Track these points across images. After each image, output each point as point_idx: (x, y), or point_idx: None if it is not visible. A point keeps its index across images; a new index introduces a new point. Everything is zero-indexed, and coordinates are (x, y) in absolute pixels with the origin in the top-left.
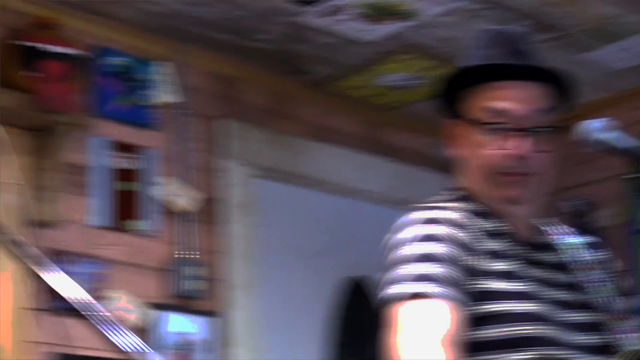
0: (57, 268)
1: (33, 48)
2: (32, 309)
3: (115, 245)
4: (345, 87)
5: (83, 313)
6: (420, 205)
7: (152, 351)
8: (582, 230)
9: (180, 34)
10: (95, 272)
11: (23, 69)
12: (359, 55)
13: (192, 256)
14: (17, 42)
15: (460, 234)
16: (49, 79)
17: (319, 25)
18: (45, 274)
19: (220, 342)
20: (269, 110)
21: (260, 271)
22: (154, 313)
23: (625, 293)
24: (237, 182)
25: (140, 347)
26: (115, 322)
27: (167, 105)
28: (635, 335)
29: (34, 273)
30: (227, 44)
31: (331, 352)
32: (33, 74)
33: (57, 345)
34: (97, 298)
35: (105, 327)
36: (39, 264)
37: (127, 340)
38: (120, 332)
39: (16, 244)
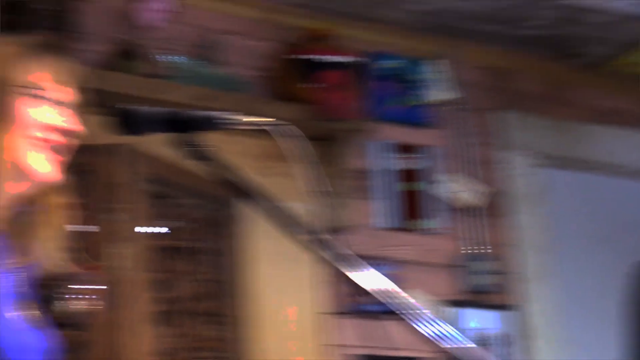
0: (362, 268)
1: (310, 60)
2: (333, 313)
3: (404, 246)
4: (623, 66)
5: (395, 312)
6: None
7: (473, 344)
8: None
9: (449, 30)
10: (388, 273)
11: (303, 81)
12: (637, 30)
13: (482, 251)
14: (295, 56)
15: None
16: (328, 89)
17: (592, 5)
18: (351, 274)
19: (520, 335)
20: (545, 97)
21: (552, 261)
22: (449, 310)
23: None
24: (521, 172)
25: (460, 341)
26: (423, 319)
27: (443, 103)
28: None
29: (337, 274)
30: (497, 35)
31: (632, 340)
32: (312, 85)
33: (360, 347)
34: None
35: (417, 325)
36: (346, 265)
37: (441, 335)
38: (432, 328)
39: (323, 245)
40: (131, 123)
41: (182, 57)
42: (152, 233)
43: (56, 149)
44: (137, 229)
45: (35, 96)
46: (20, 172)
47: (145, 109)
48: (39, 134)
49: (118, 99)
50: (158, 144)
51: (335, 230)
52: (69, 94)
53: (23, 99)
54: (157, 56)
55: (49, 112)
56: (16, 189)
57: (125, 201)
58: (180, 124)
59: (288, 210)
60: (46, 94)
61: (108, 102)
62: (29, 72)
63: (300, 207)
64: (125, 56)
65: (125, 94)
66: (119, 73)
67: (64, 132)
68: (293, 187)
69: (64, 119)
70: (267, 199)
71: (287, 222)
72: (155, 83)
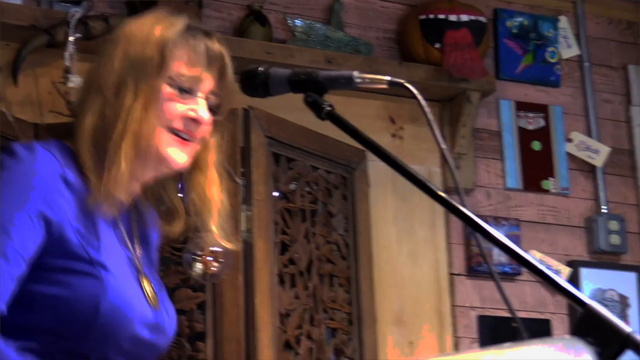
0: (489, 229)
1: (436, 20)
2: (461, 274)
3: (531, 206)
4: None
5: (520, 273)
6: None
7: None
8: None
9: None
10: (513, 234)
11: (429, 42)
12: None
13: (609, 211)
14: (421, 17)
15: None
16: (455, 48)
17: None
18: (478, 235)
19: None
20: None
21: None
22: (575, 271)
23: None
24: None
25: (585, 301)
26: (548, 280)
27: (569, 60)
28: None
29: (465, 235)
30: None
31: None
32: (439, 45)
33: (481, 308)
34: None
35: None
36: (473, 225)
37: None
38: (556, 288)
39: (449, 206)
40: (259, 84)
41: (308, 21)
42: (278, 196)
43: (194, 139)
44: (263, 192)
45: (180, 87)
46: (157, 159)
47: (273, 69)
48: (179, 125)
49: (249, 64)
50: (284, 107)
51: (462, 190)
52: (210, 81)
53: (170, 88)
54: (287, 20)
55: (192, 103)
56: (156, 173)
57: (251, 165)
58: (307, 84)
59: (415, 172)
60: (188, 85)
61: (237, 68)
62: (174, 59)
63: (427, 168)
64: (256, 21)
65: (255, 58)
66: (249, 39)
67: (203, 125)
68: (419, 148)
69: (203, 111)
70: (394, 160)
71: (415, 184)
72: (284, 47)
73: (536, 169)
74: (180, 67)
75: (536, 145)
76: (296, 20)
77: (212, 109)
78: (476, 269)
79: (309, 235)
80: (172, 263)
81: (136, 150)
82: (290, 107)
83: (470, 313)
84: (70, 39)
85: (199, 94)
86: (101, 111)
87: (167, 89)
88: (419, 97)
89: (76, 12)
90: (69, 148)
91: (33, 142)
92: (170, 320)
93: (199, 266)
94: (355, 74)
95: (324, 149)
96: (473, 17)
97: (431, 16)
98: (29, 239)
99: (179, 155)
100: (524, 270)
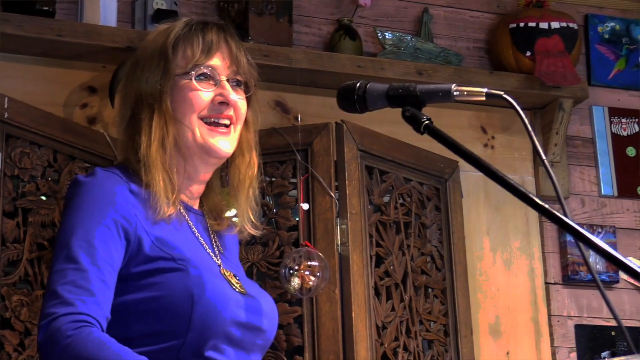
0: (586, 236)
1: (526, 28)
2: (558, 282)
3: (627, 212)
4: None
5: (618, 281)
6: None
7: None
8: None
9: None
10: (609, 241)
11: (519, 50)
12: None
13: None
14: (511, 25)
15: None
16: (547, 56)
17: None
18: (576, 243)
19: None
20: None
21: None
22: None
23: None
24: None
25: None
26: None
27: None
28: None
29: (562, 243)
30: None
31: None
32: (530, 53)
33: (579, 317)
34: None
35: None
36: (570, 233)
37: None
38: None
39: (546, 214)
40: (357, 100)
41: (398, 33)
42: (372, 208)
43: (232, 123)
44: (358, 205)
45: (198, 76)
46: (202, 151)
47: (370, 84)
48: (213, 112)
49: (340, 78)
50: (375, 119)
51: (558, 198)
52: (232, 70)
53: (188, 82)
54: (377, 33)
55: (217, 89)
56: (207, 166)
57: (345, 178)
58: (405, 99)
59: (509, 179)
60: (203, 70)
61: (329, 82)
62: (178, 55)
63: (520, 177)
64: (346, 36)
65: (346, 73)
66: (340, 53)
67: (235, 107)
68: (512, 157)
69: (231, 93)
70: (492, 171)
71: (514, 193)
72: (374, 60)
73: (631, 175)
74: (187, 59)
75: (631, 151)
76: (386, 33)
77: (242, 88)
78: (572, 277)
79: (403, 247)
80: (269, 278)
81: (165, 153)
82: (381, 120)
83: (568, 322)
84: None
85: (221, 78)
86: (127, 131)
87: (184, 82)
88: (518, 108)
89: None
90: (125, 169)
91: (95, 169)
92: (266, 302)
93: (296, 281)
94: (454, 87)
95: (416, 161)
96: (564, 24)
97: (521, 24)
98: (113, 249)
99: (221, 143)
100: (621, 277)
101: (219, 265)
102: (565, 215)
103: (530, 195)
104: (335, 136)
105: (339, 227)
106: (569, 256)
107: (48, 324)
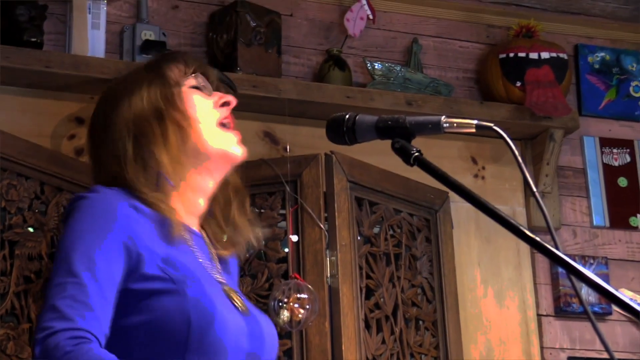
0: (577, 268)
1: (516, 58)
2: (549, 314)
3: (619, 243)
4: None
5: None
6: None
7: None
8: None
9: None
10: (602, 272)
11: (510, 80)
12: None
13: None
14: (501, 56)
15: None
16: (537, 86)
17: None
18: (566, 274)
19: None
20: None
21: None
22: None
23: None
24: None
25: None
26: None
27: None
28: None
29: (553, 274)
30: None
31: None
32: (520, 84)
33: (571, 349)
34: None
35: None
36: (561, 264)
37: None
38: None
39: (537, 245)
40: (346, 131)
41: (387, 64)
42: (361, 240)
43: (233, 122)
44: (347, 237)
45: (197, 85)
46: (221, 158)
47: (360, 116)
48: (224, 113)
49: (329, 109)
50: (364, 151)
51: (549, 230)
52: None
53: (189, 92)
54: (367, 64)
55: (216, 95)
56: (215, 176)
57: (335, 209)
58: (395, 130)
59: (500, 212)
60: (200, 82)
61: (318, 113)
62: (177, 72)
63: (511, 208)
64: (335, 66)
65: (335, 103)
66: (329, 83)
67: (230, 103)
68: (502, 188)
69: (223, 95)
70: (478, 201)
71: (503, 225)
72: (364, 91)
73: (623, 205)
74: (179, 69)
75: (622, 182)
76: (375, 63)
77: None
78: (564, 309)
79: (393, 279)
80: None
81: (183, 167)
82: (370, 150)
83: (560, 355)
84: None
85: (209, 87)
86: (133, 161)
87: (185, 89)
88: (508, 139)
89: None
90: (124, 190)
91: (95, 186)
92: (268, 326)
93: (285, 313)
94: (443, 119)
95: (406, 192)
96: (554, 54)
97: (511, 54)
98: (114, 264)
99: (239, 149)
100: (614, 309)
101: (222, 282)
102: (557, 247)
103: (521, 227)
104: (325, 167)
105: (328, 259)
106: (561, 288)
107: (45, 338)
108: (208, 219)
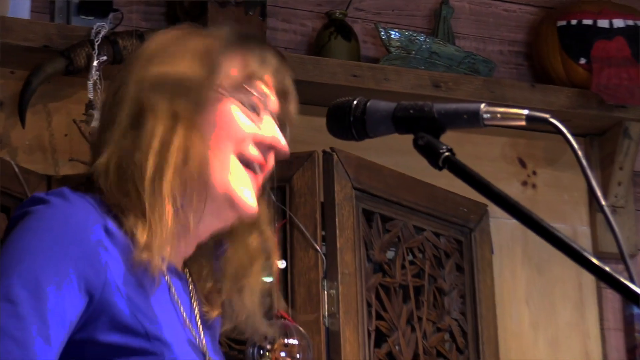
0: None
1: (581, 27)
2: None
3: None
4: None
5: None
6: None
7: None
8: None
9: None
10: None
11: (571, 56)
12: None
13: None
14: (560, 23)
15: None
16: (607, 64)
17: None
18: None
19: None
20: None
21: None
22: None
23: None
24: None
25: None
26: None
27: None
28: None
29: (628, 316)
30: None
31: None
32: (585, 61)
33: None
34: None
35: None
36: None
37: None
38: None
39: (606, 276)
40: (354, 123)
41: (408, 32)
42: (371, 267)
43: (262, 173)
44: (352, 263)
45: (247, 101)
46: (225, 201)
47: (372, 102)
48: (254, 152)
49: (330, 91)
50: (376, 147)
51: (622, 256)
52: (282, 99)
53: (231, 103)
54: (380, 32)
55: (266, 122)
56: (217, 223)
57: (335, 226)
58: (419, 122)
59: (556, 232)
60: (258, 98)
61: (314, 97)
62: (224, 67)
63: (571, 226)
64: (338, 34)
65: (337, 84)
66: (329, 57)
67: (278, 153)
68: (559, 200)
69: (279, 132)
70: (527, 217)
71: (557, 248)
72: (376, 68)
73: None
74: (235, 75)
75: None
76: (391, 32)
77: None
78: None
79: (413, 320)
80: None
81: (184, 189)
82: (383, 148)
83: None
84: (95, 63)
85: (267, 111)
86: (121, 147)
87: (225, 105)
88: (569, 135)
89: (102, 28)
90: (96, 199)
91: (62, 188)
92: None
93: None
94: (483, 107)
95: (431, 204)
96: (630, 22)
97: (573, 22)
98: (68, 302)
99: (251, 199)
100: None
101: (204, 354)
102: (632, 279)
103: (584, 252)
104: (323, 169)
105: (326, 292)
106: (637, 334)
107: None
108: (200, 259)
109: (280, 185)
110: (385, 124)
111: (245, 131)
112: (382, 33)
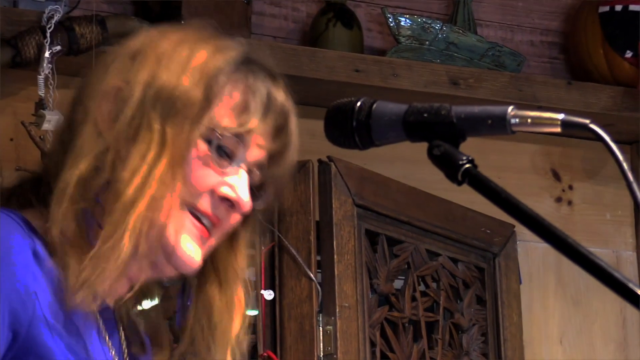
0: None
1: (627, 13)
2: None
3: None
4: None
5: None
6: None
7: None
8: None
9: None
10: None
11: (615, 48)
12: None
13: None
14: (602, 9)
15: None
16: None
17: None
18: None
19: None
20: None
21: None
22: None
23: None
24: None
25: None
26: None
27: None
28: None
29: None
30: None
31: None
32: (631, 54)
33: None
34: None
35: None
36: None
37: None
38: None
39: None
40: (357, 128)
41: (421, 19)
42: (374, 299)
43: (215, 232)
44: (353, 294)
45: (219, 147)
46: (166, 253)
47: (378, 104)
48: (208, 205)
49: (327, 90)
50: (380, 156)
51: None
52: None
53: (202, 144)
54: (388, 18)
55: (230, 175)
56: (150, 273)
57: (333, 250)
58: (434, 128)
59: (596, 258)
60: (231, 145)
61: (310, 95)
62: (219, 100)
63: (614, 251)
64: (337, 21)
65: (335, 80)
66: (328, 48)
67: (238, 211)
68: (600, 219)
69: (244, 190)
70: (562, 240)
71: (596, 277)
72: (383, 61)
73: None
74: (224, 114)
75: None
76: (401, 18)
77: (252, 190)
78: None
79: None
80: None
81: (148, 229)
82: (389, 156)
83: None
84: (47, 54)
85: (242, 164)
86: (99, 159)
87: (201, 146)
88: (611, 143)
89: (55, 12)
90: (24, 218)
91: None
92: None
93: None
94: (511, 111)
95: (447, 224)
96: None
97: (618, 7)
98: None
99: (194, 252)
100: None
101: None
102: None
103: (629, 282)
104: (319, 182)
105: (321, 328)
106: None
107: None
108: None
109: None
110: (394, 130)
111: (203, 181)
112: (390, 20)
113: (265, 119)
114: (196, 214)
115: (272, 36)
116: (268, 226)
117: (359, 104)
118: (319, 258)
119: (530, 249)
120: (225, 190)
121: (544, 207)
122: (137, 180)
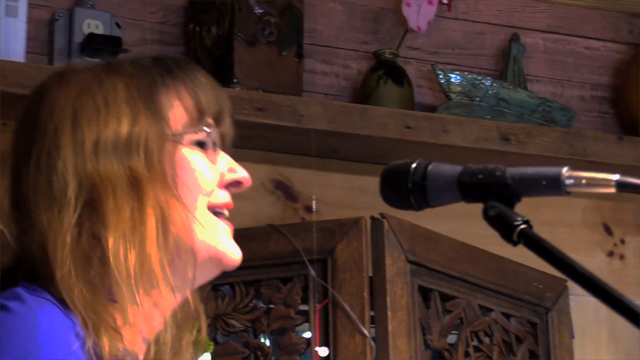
0: None
1: None
2: None
3: None
4: None
5: None
6: None
7: None
8: None
9: None
10: None
11: None
12: None
13: None
14: None
15: None
16: None
17: None
18: None
19: None
20: None
21: None
22: None
23: None
24: None
25: None
26: None
27: None
28: None
29: None
30: None
31: None
32: None
33: None
34: None
35: None
36: None
37: None
38: None
39: None
40: (413, 189)
41: (471, 75)
42: (429, 355)
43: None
44: (406, 349)
45: (197, 139)
46: (209, 262)
47: (433, 166)
48: (224, 198)
49: (378, 146)
50: (432, 213)
51: None
52: None
53: (182, 147)
54: (438, 75)
55: (222, 158)
56: (195, 283)
57: (387, 306)
58: (489, 189)
59: None
60: (207, 133)
61: (360, 152)
62: (177, 107)
63: None
64: (388, 78)
65: (386, 137)
66: (379, 105)
67: (244, 183)
68: None
69: (240, 167)
70: (613, 297)
71: None
72: (433, 118)
73: None
74: (181, 113)
75: None
76: (451, 75)
77: None
78: None
79: None
80: None
81: (174, 264)
82: (442, 213)
83: None
84: None
85: (217, 146)
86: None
87: (179, 152)
88: None
89: None
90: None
91: (16, 289)
92: None
93: None
94: (565, 172)
95: (500, 280)
96: None
97: None
98: None
99: (234, 246)
100: None
101: None
102: None
103: None
104: (372, 239)
105: None
106: None
107: None
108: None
109: (321, 257)
110: (450, 192)
111: (210, 179)
112: (441, 76)
113: (210, 101)
114: (216, 210)
115: (324, 93)
116: (322, 283)
117: (414, 165)
118: (372, 314)
119: (583, 304)
120: (230, 176)
121: (595, 261)
122: (129, 236)
